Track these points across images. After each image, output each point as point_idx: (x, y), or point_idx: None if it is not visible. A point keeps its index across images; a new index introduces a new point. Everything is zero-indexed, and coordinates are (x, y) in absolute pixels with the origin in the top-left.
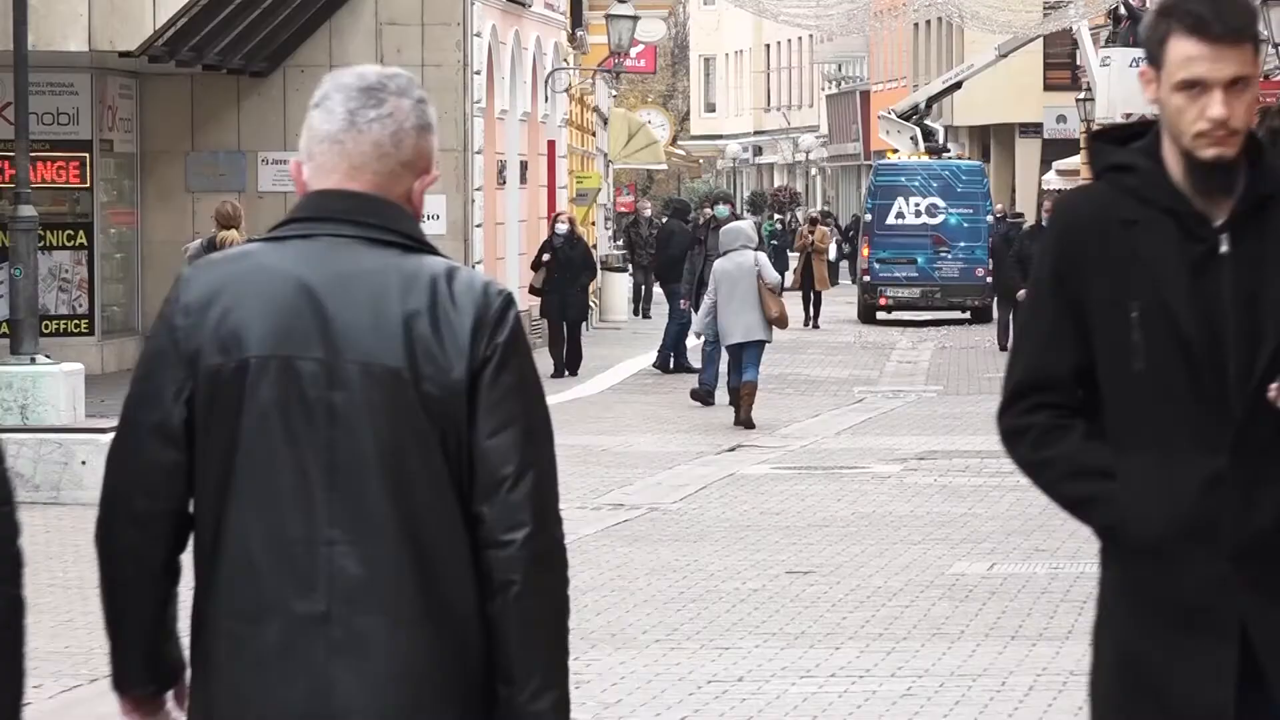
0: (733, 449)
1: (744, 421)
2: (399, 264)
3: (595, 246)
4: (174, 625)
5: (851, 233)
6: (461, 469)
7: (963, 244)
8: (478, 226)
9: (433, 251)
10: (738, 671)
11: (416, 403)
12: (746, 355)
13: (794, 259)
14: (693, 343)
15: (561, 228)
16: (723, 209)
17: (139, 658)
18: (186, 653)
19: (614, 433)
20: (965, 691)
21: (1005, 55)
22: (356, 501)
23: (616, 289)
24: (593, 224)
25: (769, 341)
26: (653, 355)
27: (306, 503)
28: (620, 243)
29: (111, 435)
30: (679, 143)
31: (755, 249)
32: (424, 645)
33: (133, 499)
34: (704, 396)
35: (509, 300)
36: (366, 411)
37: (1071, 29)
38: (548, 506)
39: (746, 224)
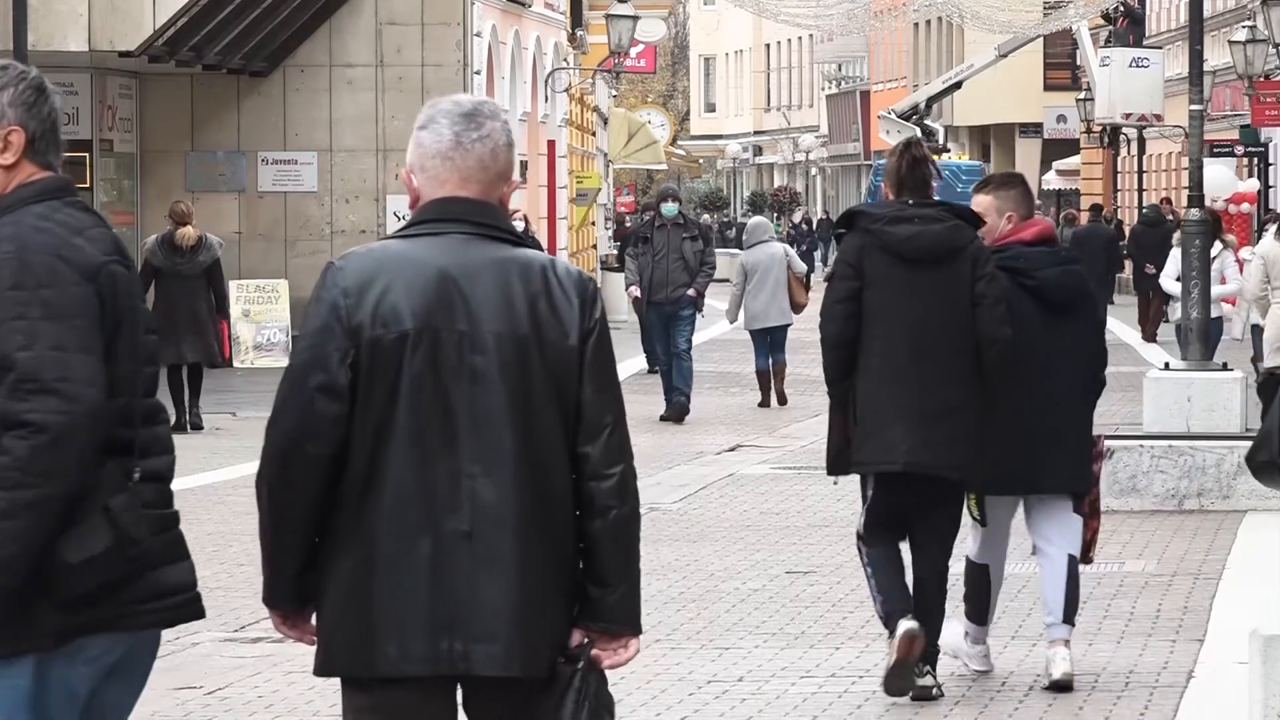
0: (733, 449)
1: (779, 398)
2: (513, 255)
3: (595, 246)
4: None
5: None
6: (569, 416)
7: None
8: None
9: (529, 244)
10: (738, 671)
11: (540, 364)
12: (775, 338)
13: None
14: (725, 332)
15: (517, 225)
16: (670, 207)
17: (292, 579)
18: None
19: None
20: (965, 691)
21: (1005, 55)
22: (492, 443)
23: (615, 288)
24: (592, 224)
25: (791, 325)
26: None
27: (453, 445)
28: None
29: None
30: (679, 143)
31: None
32: (542, 556)
33: (304, 446)
34: (678, 414)
35: (595, 283)
36: (501, 371)
37: (1071, 29)
38: (629, 447)
39: (765, 219)
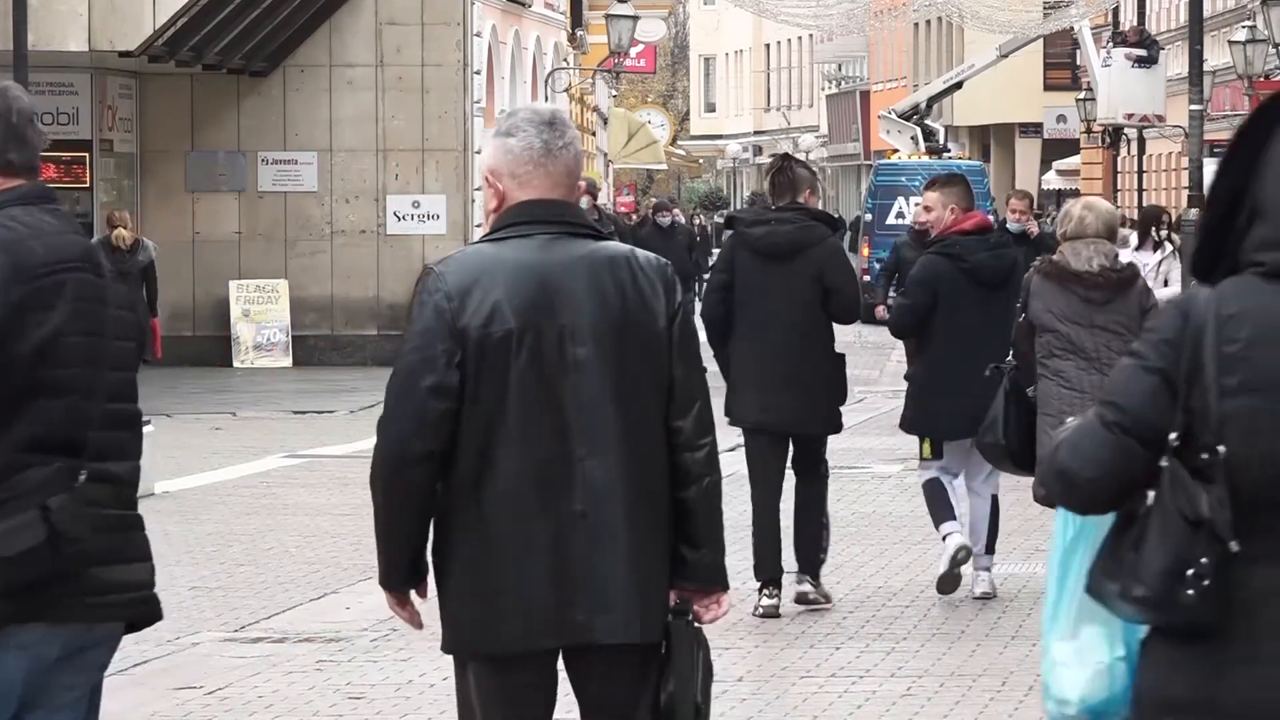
0: (733, 449)
1: None
2: (598, 249)
3: None
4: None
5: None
6: (663, 395)
7: None
8: (478, 226)
9: (608, 238)
10: (737, 671)
11: (635, 349)
12: None
13: None
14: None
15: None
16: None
17: (406, 565)
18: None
19: None
20: (965, 691)
21: (1005, 55)
22: (598, 427)
23: None
24: None
25: None
26: None
27: (563, 432)
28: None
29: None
30: (679, 143)
31: None
32: (648, 527)
33: (416, 445)
34: None
35: (672, 268)
36: (601, 360)
37: (1072, 29)
38: (713, 419)
39: None
